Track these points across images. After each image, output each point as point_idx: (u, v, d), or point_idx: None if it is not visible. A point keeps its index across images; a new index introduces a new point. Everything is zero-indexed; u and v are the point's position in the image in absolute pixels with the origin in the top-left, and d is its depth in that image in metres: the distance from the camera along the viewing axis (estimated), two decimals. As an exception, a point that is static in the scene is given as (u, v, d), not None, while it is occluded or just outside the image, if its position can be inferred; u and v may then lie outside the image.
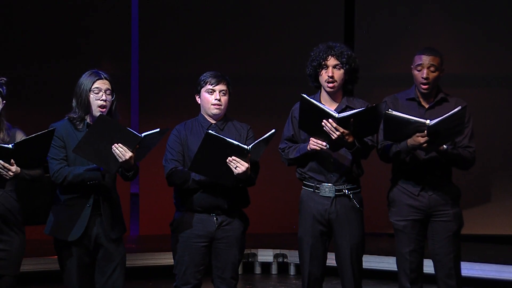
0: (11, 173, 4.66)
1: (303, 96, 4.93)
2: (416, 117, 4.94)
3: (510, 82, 9.51)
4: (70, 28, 9.50)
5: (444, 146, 5.03)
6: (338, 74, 5.13)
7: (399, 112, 4.98)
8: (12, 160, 4.64)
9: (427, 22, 9.69)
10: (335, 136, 4.88)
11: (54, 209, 5.02)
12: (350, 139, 4.94)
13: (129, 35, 9.79)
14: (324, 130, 4.89)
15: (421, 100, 5.24)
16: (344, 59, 5.10)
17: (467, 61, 9.26)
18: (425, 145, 4.92)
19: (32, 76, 9.42)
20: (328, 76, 5.11)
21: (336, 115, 4.87)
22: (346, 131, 4.88)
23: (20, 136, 4.89)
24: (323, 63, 5.11)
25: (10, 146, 4.63)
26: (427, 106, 5.22)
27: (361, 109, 4.94)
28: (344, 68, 5.11)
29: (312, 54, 5.17)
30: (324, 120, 4.87)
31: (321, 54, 5.12)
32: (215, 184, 5.03)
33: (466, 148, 5.17)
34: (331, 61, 5.11)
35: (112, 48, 9.70)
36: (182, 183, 5.08)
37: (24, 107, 9.12)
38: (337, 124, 4.86)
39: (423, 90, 5.19)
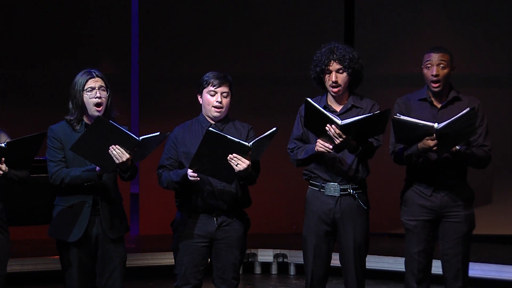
0: (0, 172, 4.63)
1: (307, 100, 4.92)
2: (424, 120, 4.90)
3: (510, 82, 9.50)
4: (70, 28, 9.50)
5: (457, 147, 4.99)
6: (342, 78, 5.13)
7: (411, 114, 4.96)
8: (2, 159, 4.62)
9: (427, 22, 9.68)
10: (338, 141, 4.89)
11: (55, 210, 5.00)
12: (353, 143, 4.96)
13: (129, 34, 9.79)
14: (328, 133, 4.90)
15: (433, 100, 5.19)
16: (346, 63, 5.09)
17: (467, 61, 9.24)
18: (435, 148, 4.91)
19: (32, 76, 9.41)
20: (332, 81, 5.12)
21: (339, 122, 4.86)
22: (349, 137, 4.89)
23: (4, 138, 4.85)
24: (326, 68, 5.11)
25: (3, 145, 4.61)
26: (439, 106, 5.17)
27: (364, 116, 4.91)
28: (347, 71, 5.11)
29: (315, 58, 5.17)
30: (328, 125, 4.88)
31: (323, 59, 5.12)
32: (194, 184, 4.99)
33: (481, 147, 5.13)
34: (334, 66, 5.11)
35: (112, 47, 9.70)
36: (168, 187, 5.10)
37: (24, 107, 9.11)
38: (340, 130, 4.86)
39: (434, 89, 5.14)
